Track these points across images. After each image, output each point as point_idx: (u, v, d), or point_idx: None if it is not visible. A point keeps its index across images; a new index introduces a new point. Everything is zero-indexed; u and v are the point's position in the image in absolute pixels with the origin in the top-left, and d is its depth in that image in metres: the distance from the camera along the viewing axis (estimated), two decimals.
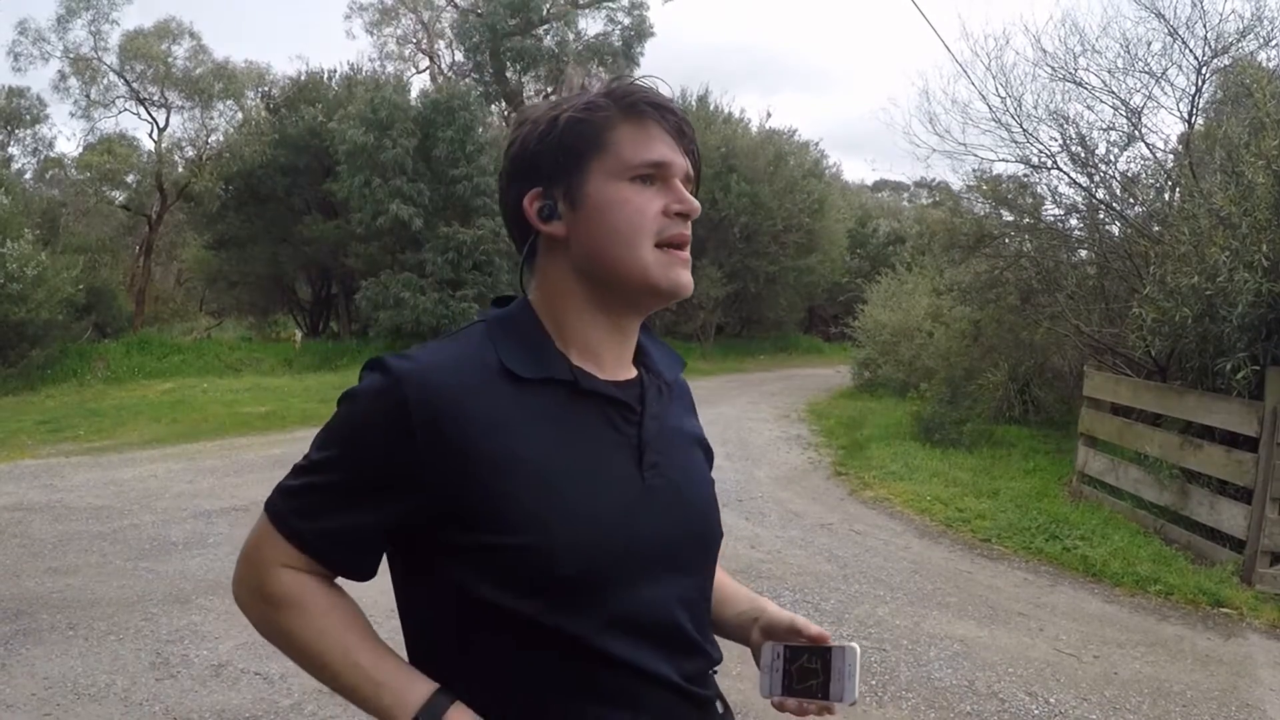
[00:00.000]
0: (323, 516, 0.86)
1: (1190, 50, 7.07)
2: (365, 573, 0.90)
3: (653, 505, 0.91)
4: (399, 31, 23.81)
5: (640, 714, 0.87)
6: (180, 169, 17.73)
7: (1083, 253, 8.68)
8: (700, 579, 0.98)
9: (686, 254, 0.91)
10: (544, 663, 0.84)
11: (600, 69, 20.47)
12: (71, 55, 17.40)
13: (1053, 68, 7.80)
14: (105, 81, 17.87)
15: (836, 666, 0.94)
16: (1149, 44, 7.59)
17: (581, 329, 0.92)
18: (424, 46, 23.81)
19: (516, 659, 0.85)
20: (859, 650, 0.95)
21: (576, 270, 0.91)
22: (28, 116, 18.93)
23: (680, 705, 0.90)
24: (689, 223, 0.91)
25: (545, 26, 19.91)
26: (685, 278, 0.91)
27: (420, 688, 0.85)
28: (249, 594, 0.90)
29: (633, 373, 0.96)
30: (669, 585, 0.91)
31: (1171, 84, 7.46)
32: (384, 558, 0.91)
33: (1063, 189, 8.36)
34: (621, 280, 0.90)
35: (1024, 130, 7.98)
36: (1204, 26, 6.96)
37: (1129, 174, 7.93)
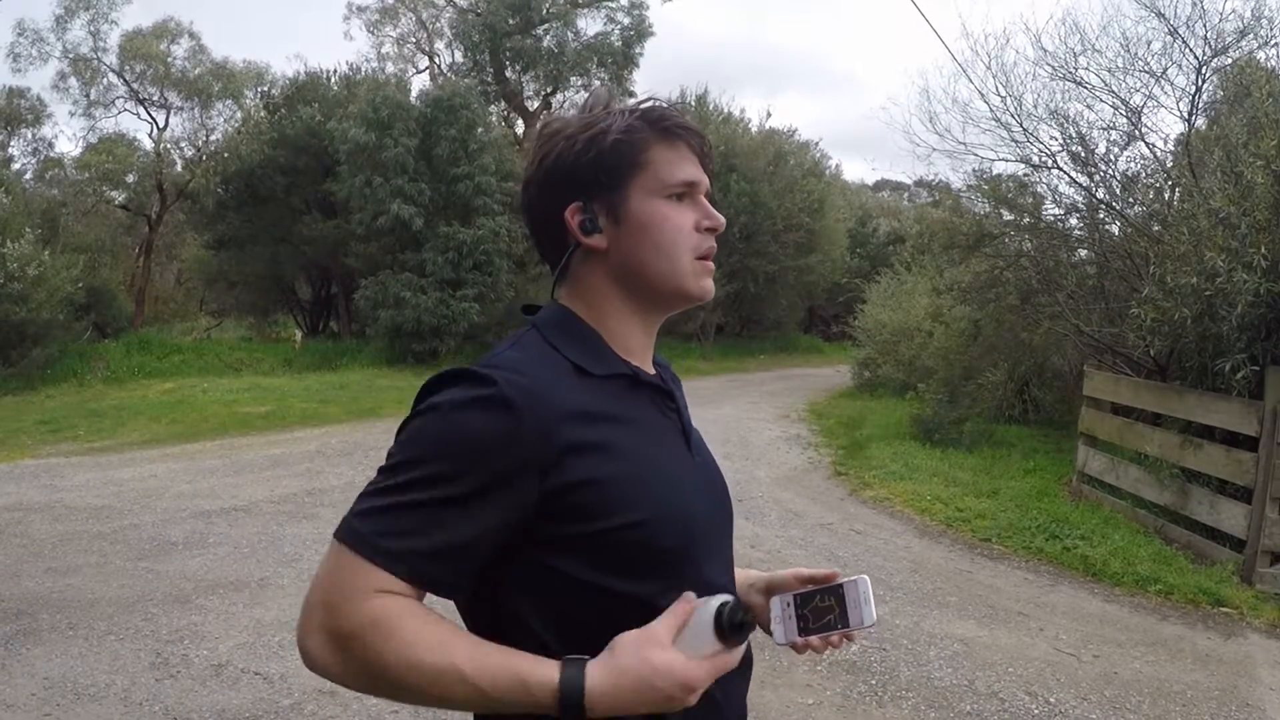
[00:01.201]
0: (421, 534, 0.83)
1: (1190, 50, 7.07)
2: (465, 588, 0.88)
3: (702, 485, 1.02)
4: (398, 31, 23.83)
5: None
6: (180, 169, 17.74)
7: (1083, 252, 8.68)
8: (730, 551, 1.09)
9: (712, 263, 1.01)
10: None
11: (602, 71, 20.47)
12: (70, 55, 17.41)
13: (1053, 67, 7.80)
14: (105, 81, 17.89)
15: (851, 597, 0.99)
16: (1149, 43, 7.63)
17: (622, 330, 1.00)
18: (423, 46, 23.81)
19: (607, 634, 0.86)
20: (869, 579, 1.00)
21: (615, 278, 0.98)
22: (28, 116, 18.92)
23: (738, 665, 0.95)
24: (715, 235, 1.01)
25: (545, 26, 19.91)
26: (711, 285, 1.01)
27: (547, 663, 0.84)
28: (330, 639, 0.83)
29: (653, 368, 1.05)
30: (721, 555, 1.04)
31: (1171, 83, 7.46)
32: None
33: (1063, 188, 8.36)
34: (660, 289, 0.99)
35: (1024, 129, 7.98)
36: (1204, 26, 6.96)
37: (1129, 174, 7.93)
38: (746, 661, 0.99)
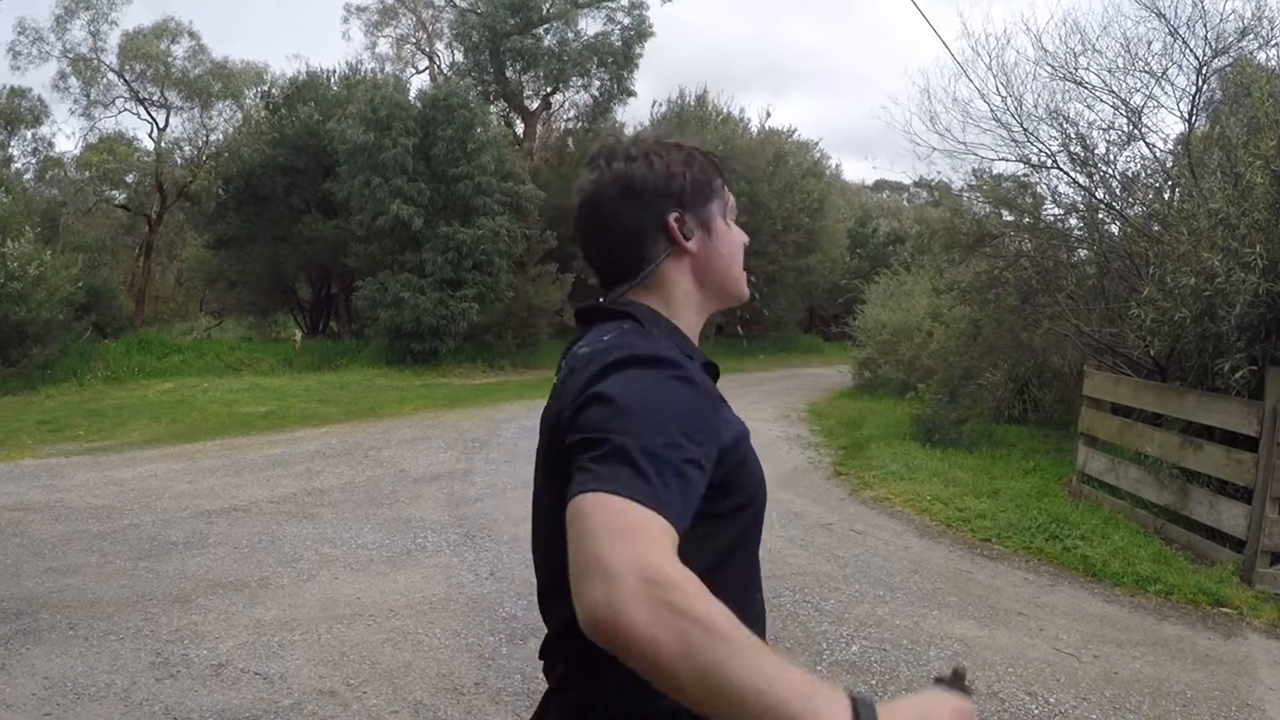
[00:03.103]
0: (686, 500, 0.83)
1: (1190, 50, 7.07)
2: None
3: None
4: (398, 32, 23.82)
5: (760, 604, 1.14)
6: (180, 169, 17.74)
7: (1082, 252, 8.67)
8: None
9: None
10: (747, 576, 1.09)
11: (602, 71, 20.46)
12: (71, 55, 17.41)
13: (1053, 67, 7.80)
14: (105, 81, 17.89)
15: None
16: (1149, 44, 7.56)
17: (691, 326, 1.16)
18: (423, 46, 23.81)
19: (735, 576, 1.03)
20: None
21: (698, 280, 1.16)
22: (28, 116, 18.91)
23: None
24: None
25: (545, 26, 19.90)
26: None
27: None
28: (660, 608, 0.71)
29: None
30: None
31: (1172, 84, 7.45)
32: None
33: (1062, 189, 8.35)
34: (728, 291, 1.20)
35: (1024, 129, 7.98)
36: (1204, 26, 6.96)
37: (1129, 174, 7.92)
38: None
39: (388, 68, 22.23)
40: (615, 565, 0.73)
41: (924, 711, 0.81)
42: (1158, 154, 7.80)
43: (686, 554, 0.78)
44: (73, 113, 19.66)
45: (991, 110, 8.10)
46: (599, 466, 0.81)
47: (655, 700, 0.78)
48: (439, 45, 23.28)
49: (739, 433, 1.02)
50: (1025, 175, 8.41)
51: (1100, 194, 7.84)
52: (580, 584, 0.75)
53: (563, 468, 0.88)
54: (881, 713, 0.75)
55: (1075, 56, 7.67)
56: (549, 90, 21.19)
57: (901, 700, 0.82)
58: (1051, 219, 8.54)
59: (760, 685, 0.70)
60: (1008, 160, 8.36)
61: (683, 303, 1.14)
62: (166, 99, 18.20)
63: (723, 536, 1.00)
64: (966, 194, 9.39)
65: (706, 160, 1.18)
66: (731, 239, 1.19)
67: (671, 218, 1.12)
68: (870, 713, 0.75)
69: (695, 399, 0.93)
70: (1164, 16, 7.09)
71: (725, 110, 23.62)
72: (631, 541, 0.75)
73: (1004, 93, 8.03)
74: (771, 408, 11.67)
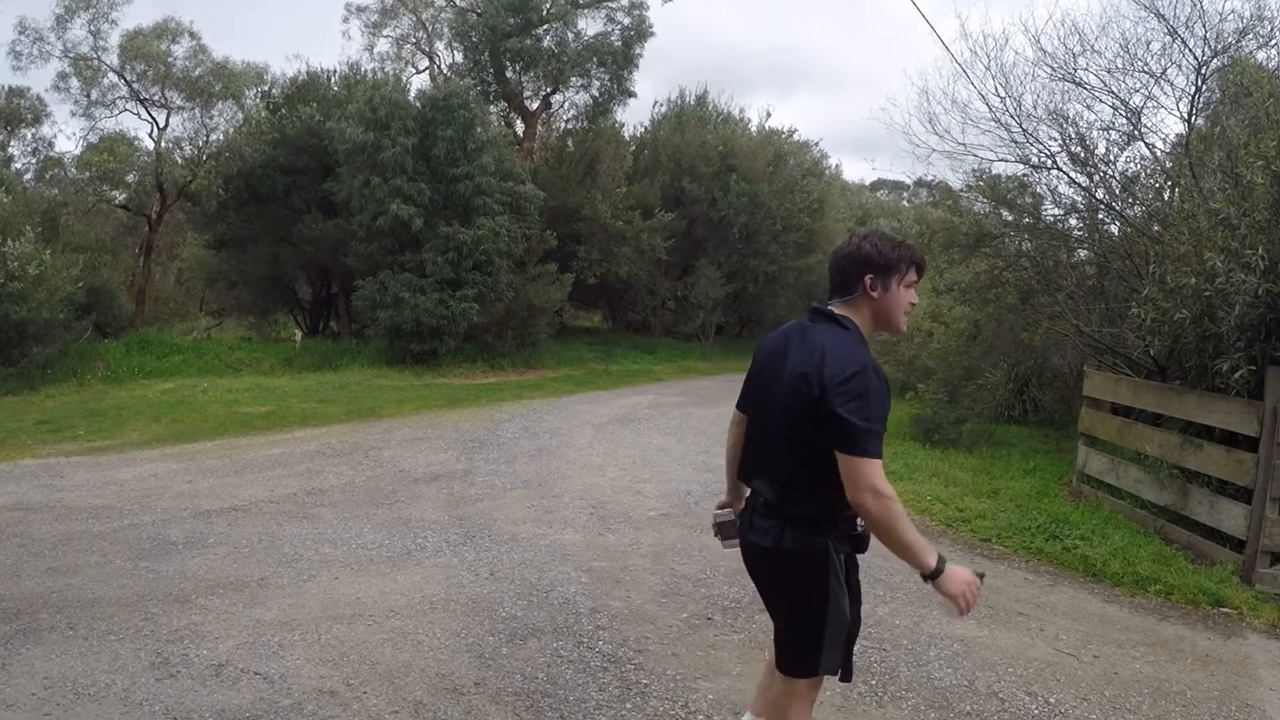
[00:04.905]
0: (881, 449, 1.98)
1: (1190, 50, 7.07)
2: None
3: None
4: (398, 32, 23.83)
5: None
6: (180, 169, 17.73)
7: (1082, 253, 8.67)
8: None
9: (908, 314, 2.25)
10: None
11: (602, 71, 20.45)
12: (71, 55, 17.40)
13: (1052, 67, 7.80)
14: (106, 81, 17.87)
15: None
16: (1148, 44, 7.54)
17: (869, 335, 2.18)
18: (423, 46, 23.82)
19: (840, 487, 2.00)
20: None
21: (873, 313, 2.17)
22: (28, 116, 18.91)
23: None
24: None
25: (545, 26, 19.90)
26: (905, 323, 2.25)
27: (933, 550, 2.00)
28: (877, 499, 1.90)
29: None
30: None
31: (1171, 84, 7.45)
32: None
33: (1062, 189, 8.36)
34: (889, 325, 2.20)
35: (1023, 130, 7.98)
36: (1204, 26, 6.96)
37: (1129, 174, 7.93)
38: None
39: (388, 67, 22.26)
40: (871, 485, 1.91)
41: (959, 573, 1.99)
42: (1158, 154, 7.81)
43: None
44: (73, 113, 19.66)
45: (991, 111, 8.10)
46: (861, 437, 1.92)
47: (801, 507, 2.13)
48: (439, 45, 23.31)
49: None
50: (1025, 175, 8.41)
51: (1100, 194, 7.84)
52: (857, 491, 1.92)
53: (819, 413, 1.99)
54: (947, 566, 1.98)
55: (1074, 57, 7.68)
56: (549, 90, 21.19)
57: (957, 571, 1.99)
58: (1051, 219, 8.54)
59: (909, 536, 1.94)
60: (1007, 161, 8.37)
61: (865, 323, 2.16)
62: (167, 99, 18.19)
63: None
64: (966, 194, 9.39)
65: (904, 251, 2.15)
66: (899, 298, 2.15)
67: (867, 278, 2.13)
68: (944, 562, 1.99)
69: (883, 392, 2.01)
70: (1163, 17, 7.09)
71: (725, 110, 23.65)
72: (874, 476, 1.91)
73: (1003, 93, 8.03)
74: None
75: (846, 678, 2.34)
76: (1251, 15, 7.02)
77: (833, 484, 1.97)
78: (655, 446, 8.56)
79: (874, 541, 2.12)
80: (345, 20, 25.39)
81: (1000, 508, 6.11)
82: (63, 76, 17.70)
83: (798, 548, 2.14)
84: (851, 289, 2.13)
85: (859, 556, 2.29)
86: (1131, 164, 7.99)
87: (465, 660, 3.40)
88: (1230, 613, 4.33)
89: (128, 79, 17.89)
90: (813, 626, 2.19)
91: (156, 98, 18.16)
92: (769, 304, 23.28)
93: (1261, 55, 6.98)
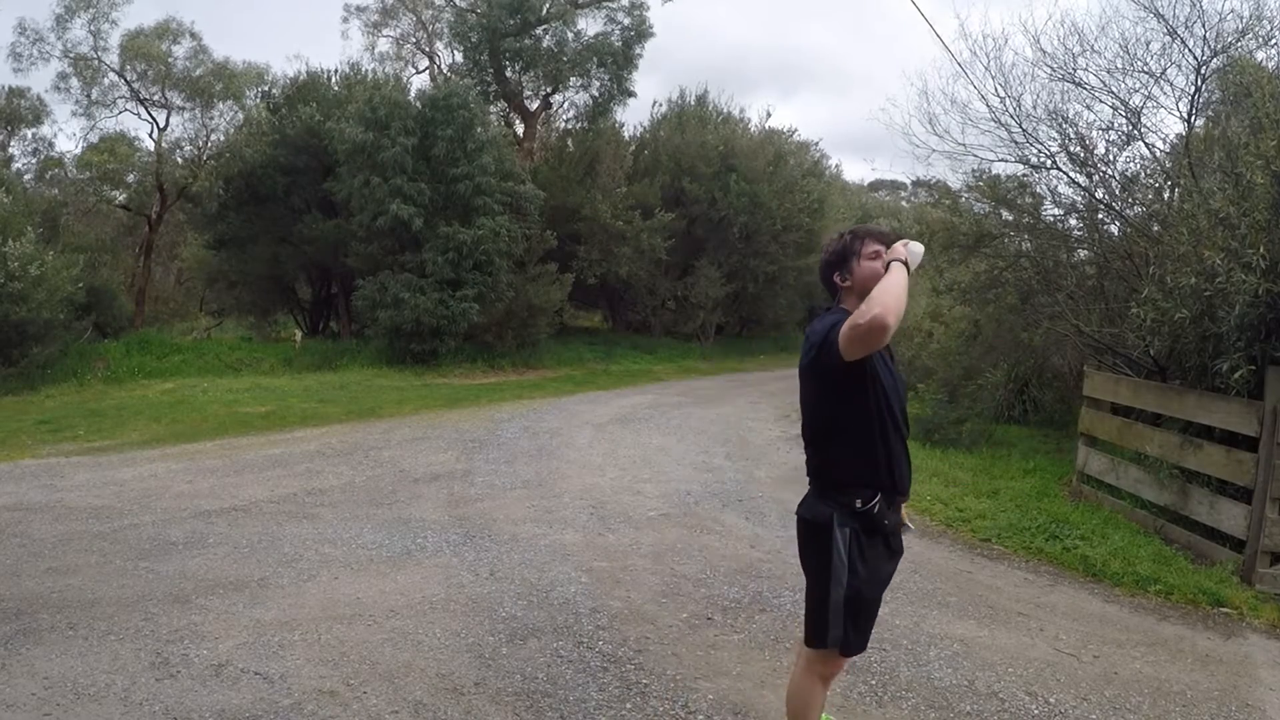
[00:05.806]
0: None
1: (1189, 50, 7.06)
2: None
3: None
4: (398, 31, 23.84)
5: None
6: (180, 169, 17.74)
7: (1082, 253, 8.67)
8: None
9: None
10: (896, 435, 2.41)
11: (602, 71, 20.45)
12: (71, 55, 17.41)
13: (1052, 68, 7.79)
14: (106, 81, 17.90)
15: None
16: (1148, 44, 7.54)
17: None
18: (423, 46, 23.82)
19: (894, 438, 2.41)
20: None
21: (859, 296, 2.29)
22: (28, 116, 18.93)
23: None
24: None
25: (544, 26, 19.90)
26: None
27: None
28: (896, 319, 2.10)
29: None
30: None
31: (1171, 84, 7.44)
32: None
33: (1062, 189, 8.35)
34: (868, 293, 2.19)
35: (1023, 130, 7.97)
36: (1203, 26, 6.95)
37: (1128, 174, 7.93)
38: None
39: (388, 67, 22.27)
40: (883, 314, 2.06)
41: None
42: (1157, 154, 7.81)
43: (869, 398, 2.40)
44: (74, 113, 19.71)
45: (990, 111, 8.10)
46: (854, 318, 2.11)
47: (818, 456, 2.57)
48: (439, 45, 23.32)
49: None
50: (1024, 175, 8.41)
51: (1100, 194, 7.84)
52: (870, 308, 2.08)
53: (825, 370, 2.27)
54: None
55: (1074, 57, 7.67)
56: (549, 90, 21.19)
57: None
58: (1051, 219, 8.54)
59: (892, 282, 2.18)
60: (1007, 161, 8.37)
61: (857, 303, 2.24)
62: (167, 99, 18.22)
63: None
64: (966, 194, 9.39)
65: (847, 238, 2.44)
66: (866, 270, 2.34)
67: (835, 276, 2.44)
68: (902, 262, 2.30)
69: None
70: (1162, 17, 7.09)
71: (725, 110, 23.64)
72: (896, 302, 2.12)
73: (1002, 94, 8.03)
74: (771, 408, 11.67)
75: (847, 651, 2.43)
76: (1251, 15, 7.01)
77: (837, 439, 2.38)
78: (655, 446, 8.56)
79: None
80: (345, 20, 25.44)
81: (1000, 508, 6.11)
82: (63, 76, 17.75)
83: (808, 514, 2.46)
84: (834, 291, 2.46)
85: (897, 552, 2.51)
86: (1131, 164, 8.00)
87: (465, 660, 3.40)
88: (1230, 613, 4.33)
89: (128, 79, 17.91)
90: (817, 597, 2.41)
91: (157, 98, 18.20)
92: (769, 304, 23.27)
93: (1261, 55, 6.98)
